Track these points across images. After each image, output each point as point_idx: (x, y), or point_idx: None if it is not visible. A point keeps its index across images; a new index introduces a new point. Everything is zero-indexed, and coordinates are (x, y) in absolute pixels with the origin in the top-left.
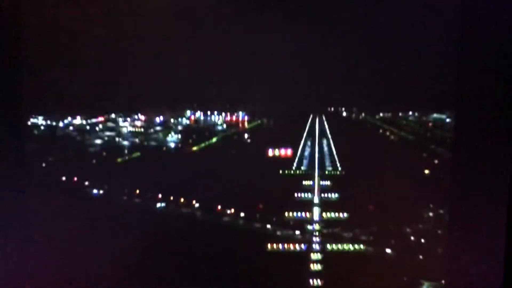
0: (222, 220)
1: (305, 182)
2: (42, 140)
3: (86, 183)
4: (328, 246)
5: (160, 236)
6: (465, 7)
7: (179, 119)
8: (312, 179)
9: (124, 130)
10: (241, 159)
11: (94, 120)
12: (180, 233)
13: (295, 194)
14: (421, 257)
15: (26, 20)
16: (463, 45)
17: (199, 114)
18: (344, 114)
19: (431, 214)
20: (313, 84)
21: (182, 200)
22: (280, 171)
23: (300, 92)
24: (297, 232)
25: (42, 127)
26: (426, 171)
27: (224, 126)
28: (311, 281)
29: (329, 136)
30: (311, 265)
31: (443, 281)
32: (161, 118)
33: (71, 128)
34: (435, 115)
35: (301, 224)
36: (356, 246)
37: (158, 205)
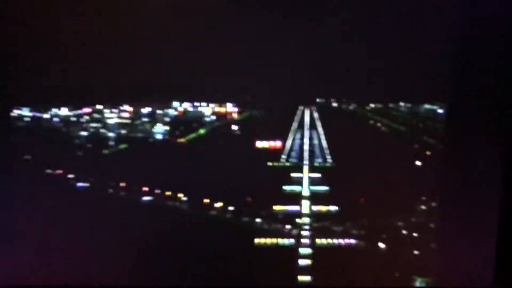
0: (209, 213)
1: (294, 175)
2: (26, 132)
3: (71, 175)
4: (318, 240)
5: (145, 229)
6: None
7: (167, 110)
8: (302, 171)
9: (111, 121)
10: (230, 150)
11: (80, 111)
12: (166, 226)
13: (284, 187)
14: (413, 251)
15: (9, 9)
16: (455, 35)
17: (187, 105)
18: (334, 105)
19: (423, 207)
20: (302, 75)
21: (168, 193)
22: (269, 163)
23: (290, 83)
24: (286, 225)
25: (26, 119)
26: (418, 163)
27: (213, 117)
28: (300, 276)
29: (319, 128)
30: (300, 260)
31: (435, 276)
32: (148, 109)
33: (56, 119)
34: (426, 106)
35: (290, 217)
36: (347, 240)
37: (144, 198)
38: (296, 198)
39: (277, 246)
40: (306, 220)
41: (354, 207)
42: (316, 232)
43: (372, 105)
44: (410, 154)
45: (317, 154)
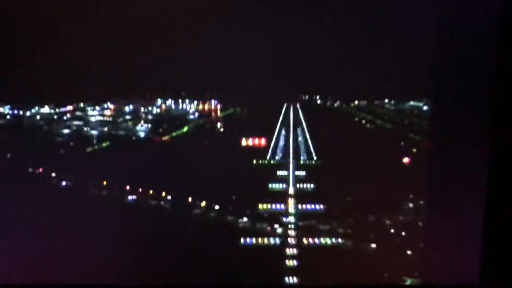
0: (192, 212)
1: (279, 173)
2: (7, 130)
3: (54, 174)
4: (305, 240)
5: (128, 228)
6: None
7: (150, 108)
8: (287, 169)
9: (93, 119)
10: (214, 148)
11: (62, 109)
12: (149, 225)
13: (269, 185)
14: (400, 249)
15: None
16: (439, 32)
17: (170, 102)
18: (319, 102)
19: (411, 205)
20: (286, 72)
21: (151, 191)
22: (254, 161)
23: (274, 80)
24: (272, 224)
25: (7, 117)
26: (405, 160)
27: (196, 114)
28: (286, 277)
29: (304, 125)
30: (287, 261)
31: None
32: (131, 107)
33: (38, 117)
34: (411, 102)
35: (275, 216)
36: (334, 240)
37: (127, 196)
38: (281, 197)
39: (262, 245)
40: (292, 219)
41: (341, 205)
42: (302, 231)
43: (356, 102)
44: (396, 152)
45: (302, 152)
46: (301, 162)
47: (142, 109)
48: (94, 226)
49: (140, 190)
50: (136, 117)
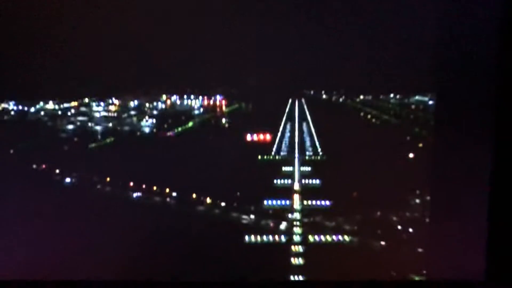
0: (197, 209)
1: (284, 168)
2: (12, 126)
3: (57, 170)
4: (310, 237)
5: (132, 225)
6: None
7: (155, 103)
8: (292, 164)
9: (97, 115)
10: (218, 144)
11: (66, 105)
12: (153, 221)
13: (274, 181)
14: (408, 247)
15: None
16: (444, 25)
17: (175, 97)
18: (324, 97)
19: (417, 200)
20: (292, 67)
21: (155, 187)
22: (259, 157)
23: (279, 76)
24: (277, 221)
25: (12, 113)
26: (411, 155)
27: (201, 110)
28: (291, 275)
29: (309, 120)
30: (292, 259)
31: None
32: (136, 102)
33: (42, 113)
34: (417, 97)
35: (281, 213)
36: (340, 237)
37: (132, 193)
38: (287, 193)
39: (267, 242)
40: (297, 215)
41: (347, 201)
42: (308, 227)
43: (361, 97)
44: (402, 146)
45: (307, 147)
46: (307, 157)
47: (147, 104)
48: (98, 222)
49: (144, 186)
50: (140, 112)
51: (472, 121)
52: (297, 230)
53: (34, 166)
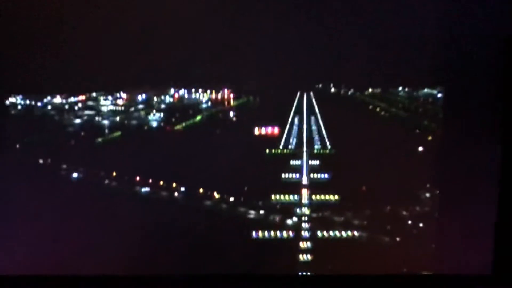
0: (204, 203)
1: (293, 162)
2: (19, 120)
3: (64, 164)
4: (319, 232)
5: (140, 220)
6: None
7: (162, 97)
8: (301, 158)
9: (105, 109)
10: (226, 138)
11: (74, 99)
12: (160, 216)
13: (283, 175)
14: (418, 241)
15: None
16: (453, 17)
17: (183, 91)
18: (332, 90)
19: (427, 194)
20: (300, 60)
21: (161, 182)
22: (267, 150)
23: (287, 69)
24: (285, 216)
25: (19, 107)
26: (420, 148)
27: (209, 103)
28: (299, 270)
29: (318, 113)
30: (300, 254)
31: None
32: (144, 96)
33: (49, 107)
34: (426, 90)
35: (289, 208)
36: (349, 233)
37: (139, 188)
38: (295, 187)
39: (275, 238)
40: (306, 210)
41: (356, 196)
42: (316, 223)
43: (370, 90)
44: (411, 140)
45: (316, 141)
46: (315, 151)
47: (155, 98)
48: (104, 216)
49: (151, 180)
50: (148, 106)
51: (480, 114)
52: (305, 225)
53: (41, 160)
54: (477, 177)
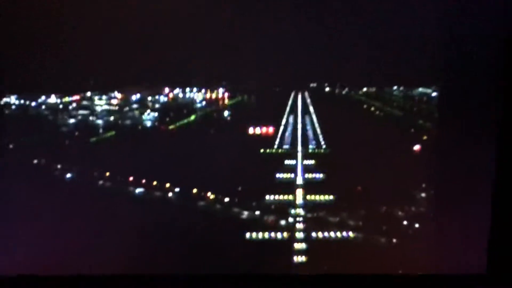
0: (198, 204)
1: (287, 162)
2: (13, 120)
3: (58, 164)
4: (314, 233)
5: (134, 220)
6: None
7: (157, 97)
8: (295, 158)
9: (99, 108)
10: (220, 137)
11: (68, 99)
12: (154, 217)
13: (277, 175)
14: (413, 241)
15: None
16: (449, 16)
17: (177, 91)
18: (327, 89)
19: (423, 194)
20: (295, 59)
21: (155, 182)
22: (261, 150)
23: (282, 68)
24: (279, 217)
25: (13, 107)
26: (415, 148)
27: (203, 103)
28: (294, 271)
29: (312, 113)
30: (295, 256)
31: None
32: (138, 95)
33: (43, 107)
34: (420, 89)
35: (283, 208)
36: (344, 234)
37: (133, 188)
38: (289, 187)
39: (269, 239)
40: (300, 210)
41: (351, 196)
42: (311, 223)
43: (365, 89)
44: (406, 139)
45: (310, 140)
46: (310, 150)
47: (149, 98)
48: (99, 216)
49: (145, 180)
50: (142, 106)
51: (477, 114)
52: (299, 225)
53: (35, 161)
54: (473, 177)
